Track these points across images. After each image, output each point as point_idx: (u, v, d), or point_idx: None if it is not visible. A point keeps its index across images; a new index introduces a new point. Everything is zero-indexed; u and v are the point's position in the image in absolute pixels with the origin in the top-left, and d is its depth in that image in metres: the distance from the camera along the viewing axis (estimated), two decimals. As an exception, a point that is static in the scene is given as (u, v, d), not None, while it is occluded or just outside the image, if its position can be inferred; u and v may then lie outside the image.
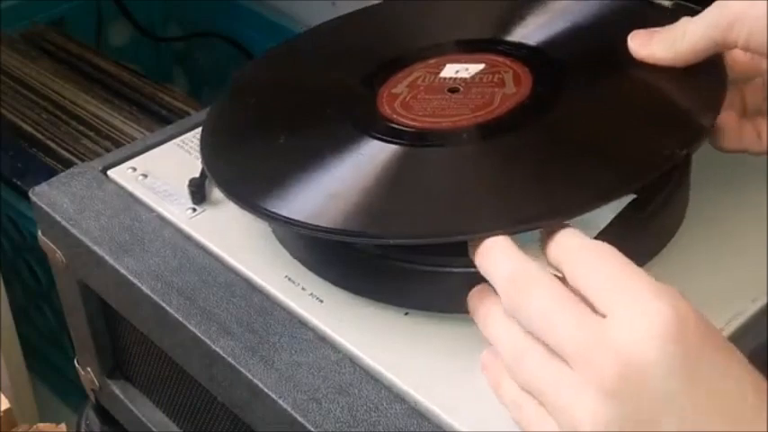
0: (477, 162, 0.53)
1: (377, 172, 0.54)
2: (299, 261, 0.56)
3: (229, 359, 0.52)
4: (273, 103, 0.62)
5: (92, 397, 0.72)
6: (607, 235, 0.48)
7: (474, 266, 0.46)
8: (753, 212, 0.57)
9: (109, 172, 0.64)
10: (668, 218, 0.55)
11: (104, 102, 1.17)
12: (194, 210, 0.60)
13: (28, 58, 1.25)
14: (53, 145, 1.11)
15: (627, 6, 0.62)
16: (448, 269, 0.51)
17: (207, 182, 0.61)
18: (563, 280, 0.43)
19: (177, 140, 0.67)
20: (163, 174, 0.63)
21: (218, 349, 0.52)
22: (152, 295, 0.56)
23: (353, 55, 0.65)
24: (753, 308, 0.52)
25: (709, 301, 0.52)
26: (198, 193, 0.60)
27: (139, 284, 0.57)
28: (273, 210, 0.53)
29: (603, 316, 0.40)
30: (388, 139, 0.55)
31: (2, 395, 0.77)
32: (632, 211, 0.51)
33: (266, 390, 0.50)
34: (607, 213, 0.50)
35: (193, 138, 0.66)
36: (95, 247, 0.59)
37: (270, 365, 0.51)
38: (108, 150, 1.05)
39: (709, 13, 0.53)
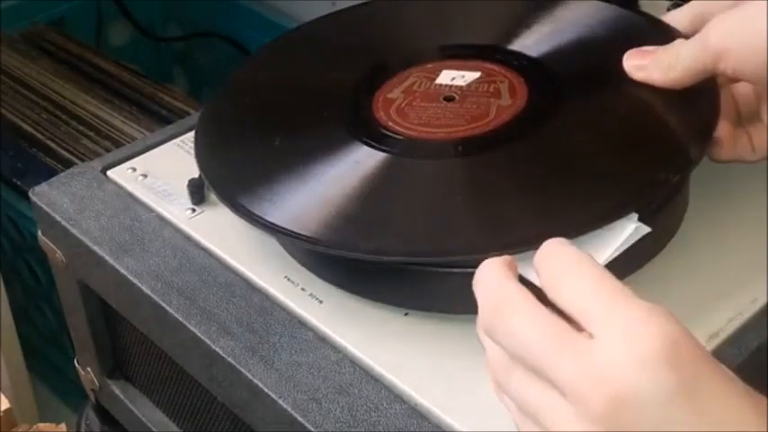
0: (469, 177, 0.53)
1: (372, 182, 0.54)
2: (298, 262, 0.56)
3: (229, 359, 0.52)
4: (268, 103, 0.62)
5: (92, 397, 0.72)
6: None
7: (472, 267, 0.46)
8: (753, 212, 0.57)
9: (109, 172, 0.64)
10: (668, 218, 0.55)
11: (104, 102, 1.17)
12: (194, 210, 0.60)
13: (28, 58, 1.25)
14: (53, 145, 1.11)
15: (625, 20, 0.62)
16: (447, 270, 0.51)
17: (206, 182, 0.61)
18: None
19: (177, 140, 0.67)
20: (162, 174, 0.63)
21: (218, 349, 0.52)
22: (152, 295, 0.56)
23: (350, 54, 0.64)
24: (753, 308, 0.52)
25: (709, 302, 0.52)
26: (197, 193, 0.60)
27: (139, 284, 0.57)
28: (258, 213, 0.53)
29: (590, 335, 0.38)
30: (384, 148, 0.55)
31: (2, 395, 0.77)
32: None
33: (266, 390, 0.50)
34: (614, 241, 0.49)
35: (193, 138, 0.66)
36: (95, 247, 0.59)
37: (270, 365, 0.51)
38: (108, 150, 1.05)
39: (698, 39, 0.53)
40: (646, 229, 0.49)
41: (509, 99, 0.57)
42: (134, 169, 0.64)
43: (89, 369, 0.70)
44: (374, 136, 0.56)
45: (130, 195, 0.63)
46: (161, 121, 1.12)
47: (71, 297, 0.66)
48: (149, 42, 1.50)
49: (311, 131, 0.58)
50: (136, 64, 1.33)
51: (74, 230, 0.61)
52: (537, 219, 0.50)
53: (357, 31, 0.67)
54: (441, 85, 0.59)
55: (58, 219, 0.61)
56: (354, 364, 0.51)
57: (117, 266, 0.58)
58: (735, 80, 0.55)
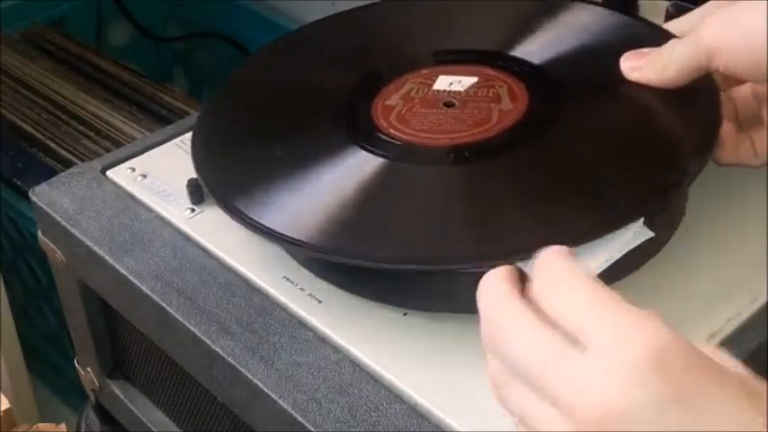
0: (474, 182, 0.53)
1: (377, 188, 0.53)
2: (298, 262, 0.56)
3: (229, 359, 0.52)
4: (267, 105, 0.62)
5: (92, 397, 0.72)
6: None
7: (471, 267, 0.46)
8: (753, 212, 0.57)
9: (108, 172, 0.64)
10: (668, 218, 0.55)
11: (104, 102, 1.17)
12: (193, 210, 0.60)
13: (28, 58, 1.25)
14: (53, 145, 1.11)
15: (623, 24, 0.62)
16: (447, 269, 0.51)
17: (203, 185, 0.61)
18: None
19: (177, 140, 0.67)
20: (162, 174, 0.63)
21: (218, 349, 0.52)
22: (152, 295, 0.56)
23: (351, 57, 0.64)
24: (752, 308, 0.52)
25: (708, 301, 0.52)
26: (197, 193, 0.60)
27: (139, 284, 0.57)
28: (254, 217, 0.53)
29: (584, 347, 0.38)
30: (389, 155, 0.55)
31: (2, 395, 0.77)
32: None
33: (266, 390, 0.50)
34: (616, 244, 0.49)
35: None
36: (95, 247, 0.59)
37: (270, 365, 0.51)
38: (108, 150, 1.05)
39: (691, 38, 0.53)
40: (648, 234, 0.49)
41: (510, 103, 0.57)
42: (134, 169, 0.64)
43: (89, 369, 0.70)
44: (377, 143, 0.56)
45: (130, 195, 0.63)
46: (161, 121, 1.12)
47: (71, 297, 0.66)
48: (149, 42, 1.50)
49: (311, 136, 0.58)
50: (136, 64, 1.33)
51: (74, 230, 0.61)
52: (540, 226, 0.50)
53: (358, 33, 0.67)
54: (439, 90, 0.59)
55: (58, 219, 0.61)
56: (354, 364, 0.51)
57: (117, 266, 0.58)
58: (730, 79, 0.55)
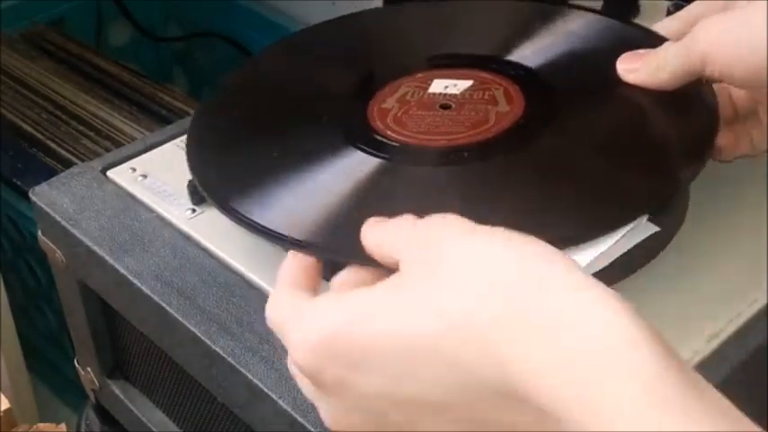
0: (473, 183, 0.53)
1: (374, 191, 0.53)
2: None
3: (229, 359, 0.52)
4: (263, 106, 0.62)
5: (92, 397, 0.72)
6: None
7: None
8: (753, 213, 0.57)
9: (109, 172, 0.64)
10: (668, 218, 0.55)
11: (104, 102, 1.17)
12: (194, 210, 0.60)
13: (28, 58, 1.25)
14: (53, 145, 1.11)
15: (620, 30, 0.62)
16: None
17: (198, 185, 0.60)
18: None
19: (177, 141, 0.66)
20: (162, 174, 0.63)
21: (218, 349, 0.52)
22: (152, 295, 0.56)
23: (343, 61, 0.64)
24: (753, 309, 0.52)
25: (709, 302, 0.52)
26: (197, 193, 0.60)
27: (139, 284, 0.57)
28: (251, 216, 0.53)
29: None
30: (389, 157, 0.55)
31: (2, 395, 0.77)
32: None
33: (266, 390, 0.50)
34: (616, 239, 0.49)
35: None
36: (95, 247, 0.59)
37: (270, 365, 0.51)
38: (108, 150, 1.05)
39: (686, 43, 0.53)
40: (653, 228, 0.49)
41: (506, 106, 0.57)
42: (134, 169, 0.64)
43: (89, 369, 0.70)
44: (375, 144, 0.56)
45: (130, 195, 0.63)
46: (161, 121, 1.12)
47: (71, 297, 0.66)
48: (149, 42, 1.50)
49: (308, 138, 0.58)
50: (136, 64, 1.33)
51: (74, 230, 0.61)
52: (540, 226, 0.49)
53: (358, 37, 0.67)
54: (434, 93, 0.59)
55: (58, 219, 0.61)
56: (354, 364, 0.51)
57: (117, 266, 0.58)
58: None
